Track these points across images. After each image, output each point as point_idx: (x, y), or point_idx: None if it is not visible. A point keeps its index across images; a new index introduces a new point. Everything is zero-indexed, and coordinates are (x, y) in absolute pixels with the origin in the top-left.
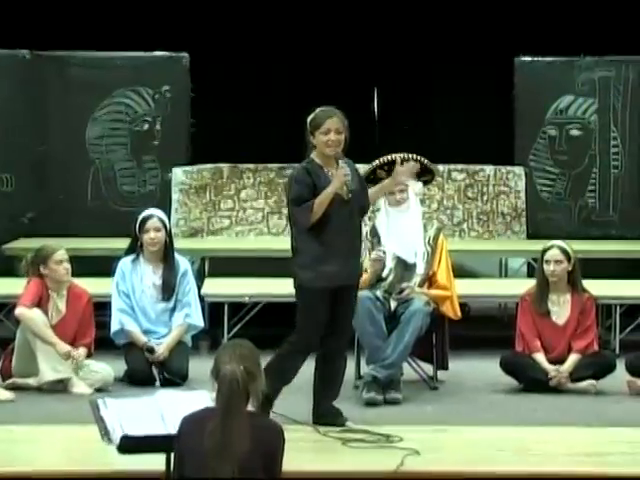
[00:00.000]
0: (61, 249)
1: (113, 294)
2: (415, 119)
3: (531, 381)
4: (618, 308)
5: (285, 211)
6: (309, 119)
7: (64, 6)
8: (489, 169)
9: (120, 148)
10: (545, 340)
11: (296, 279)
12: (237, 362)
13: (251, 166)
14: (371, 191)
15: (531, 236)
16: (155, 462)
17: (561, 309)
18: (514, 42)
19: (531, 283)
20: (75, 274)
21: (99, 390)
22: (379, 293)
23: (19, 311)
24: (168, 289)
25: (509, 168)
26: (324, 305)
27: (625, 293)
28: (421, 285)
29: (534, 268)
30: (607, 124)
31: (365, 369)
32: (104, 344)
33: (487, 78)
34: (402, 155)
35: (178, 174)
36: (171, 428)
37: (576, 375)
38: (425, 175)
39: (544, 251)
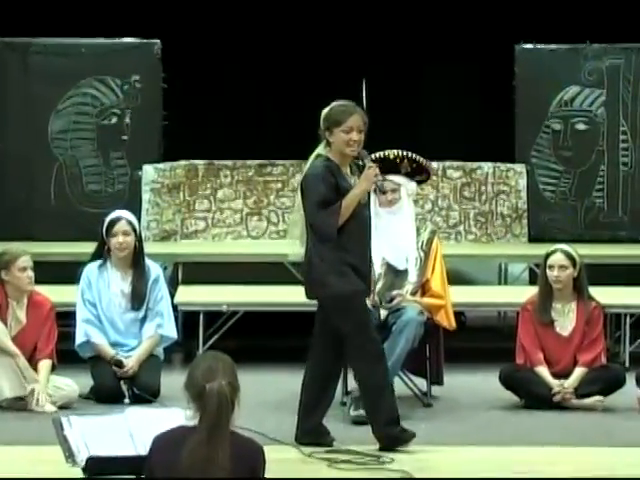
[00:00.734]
0: (25, 255)
1: (78, 303)
2: (406, 111)
3: (533, 397)
4: (628, 318)
5: (265, 212)
6: (325, 113)
7: None
8: (487, 166)
9: (86, 143)
10: (548, 352)
11: (326, 288)
12: (221, 377)
13: (229, 163)
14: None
15: (533, 239)
16: None
17: (566, 319)
18: (514, 28)
19: (533, 290)
20: (37, 281)
21: (63, 407)
22: (368, 301)
23: None
24: (138, 297)
25: (509, 165)
26: (366, 305)
27: (635, 302)
28: (414, 294)
29: (536, 274)
30: (616, 117)
31: (353, 384)
32: (68, 357)
33: (485, 67)
34: (395, 152)
35: (149, 172)
36: (141, 448)
37: (582, 390)
38: (419, 174)
39: (547, 256)
